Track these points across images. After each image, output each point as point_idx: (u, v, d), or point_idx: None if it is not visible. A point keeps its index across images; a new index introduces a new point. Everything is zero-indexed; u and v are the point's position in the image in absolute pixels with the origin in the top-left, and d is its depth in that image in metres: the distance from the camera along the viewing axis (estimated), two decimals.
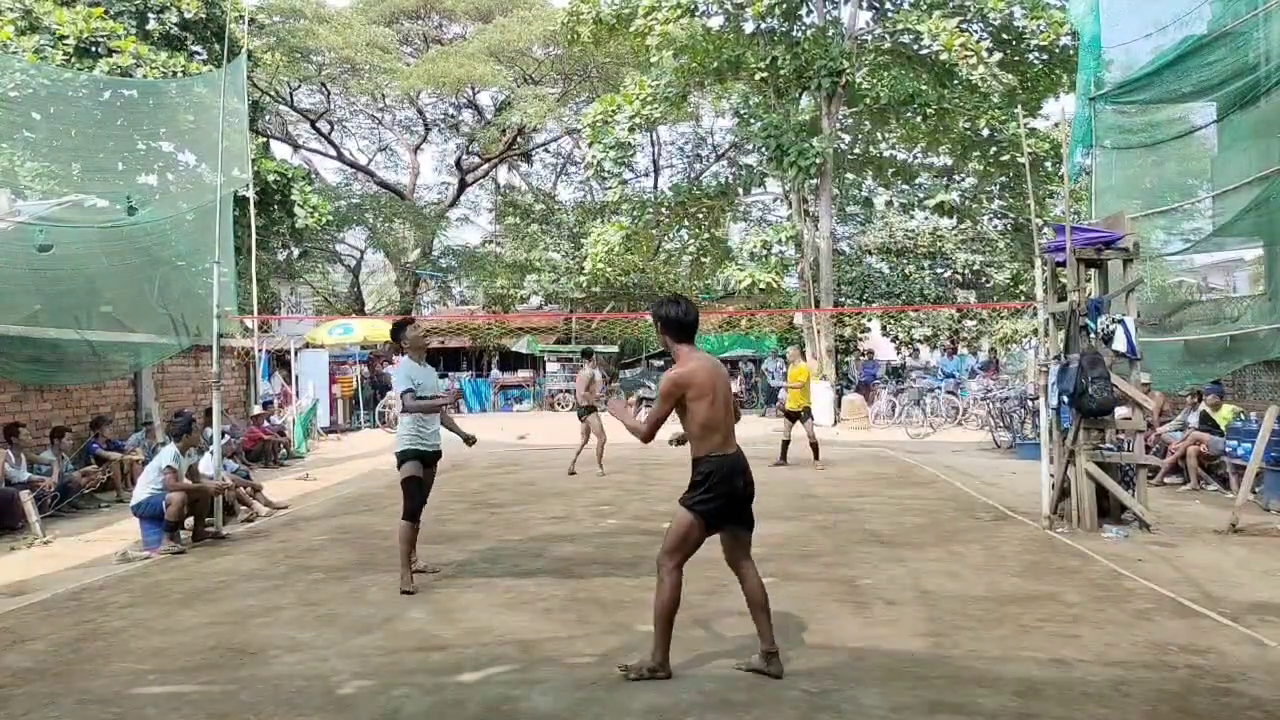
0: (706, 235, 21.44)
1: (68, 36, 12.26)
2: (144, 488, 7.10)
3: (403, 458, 5.74)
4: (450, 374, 26.55)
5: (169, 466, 7.07)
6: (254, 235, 12.50)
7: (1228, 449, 8.65)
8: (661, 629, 3.95)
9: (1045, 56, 17.87)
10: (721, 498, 3.92)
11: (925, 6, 17.62)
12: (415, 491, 5.70)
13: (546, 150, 34.21)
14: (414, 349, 5.93)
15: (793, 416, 11.59)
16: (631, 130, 18.87)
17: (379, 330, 21.25)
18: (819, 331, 19.27)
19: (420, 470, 5.74)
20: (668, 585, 3.92)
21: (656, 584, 3.97)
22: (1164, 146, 11.05)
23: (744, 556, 4.05)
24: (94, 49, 12.53)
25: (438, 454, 5.90)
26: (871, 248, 27.03)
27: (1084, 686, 3.80)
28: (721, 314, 26.98)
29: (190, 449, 7.40)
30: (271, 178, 15.01)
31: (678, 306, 4.04)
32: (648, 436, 4.00)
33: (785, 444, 11.59)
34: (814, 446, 11.31)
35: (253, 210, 12.55)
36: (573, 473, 10.89)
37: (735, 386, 21.37)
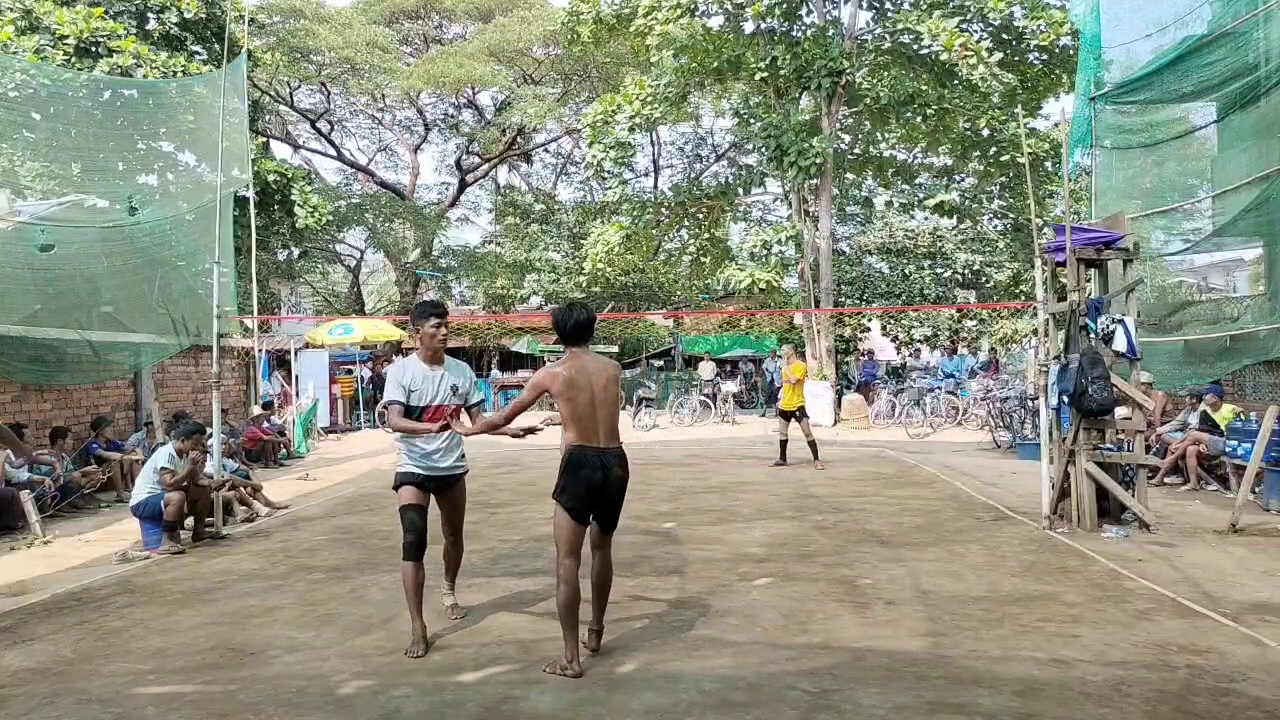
0: (706, 235, 21.43)
1: (68, 36, 12.26)
2: (143, 488, 7.10)
3: (397, 481, 4.69)
4: None
5: (164, 468, 7.07)
6: (254, 235, 12.51)
7: (1228, 449, 8.66)
8: (566, 624, 4.10)
9: (1045, 56, 17.87)
10: (577, 485, 4.13)
11: (925, 6, 17.62)
12: (410, 525, 4.58)
13: (546, 150, 34.25)
14: (422, 344, 4.72)
15: (788, 416, 11.57)
16: (631, 130, 18.86)
17: (379, 330, 21.27)
18: (819, 331, 19.27)
19: (418, 496, 4.63)
20: (560, 579, 4.14)
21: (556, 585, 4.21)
22: (1164, 146, 11.05)
23: (601, 547, 4.36)
24: (94, 49, 12.53)
25: (453, 477, 4.79)
26: (871, 248, 27.04)
27: (1084, 686, 3.80)
28: (721, 314, 27.00)
29: (188, 453, 7.39)
30: (271, 178, 15.02)
31: (561, 313, 4.33)
32: (508, 418, 4.37)
33: (783, 443, 11.58)
34: (812, 446, 11.30)
35: (253, 210, 12.56)
36: None
37: (735, 386, 21.37)
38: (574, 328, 4.25)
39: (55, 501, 8.66)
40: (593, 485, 4.13)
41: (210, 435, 7.76)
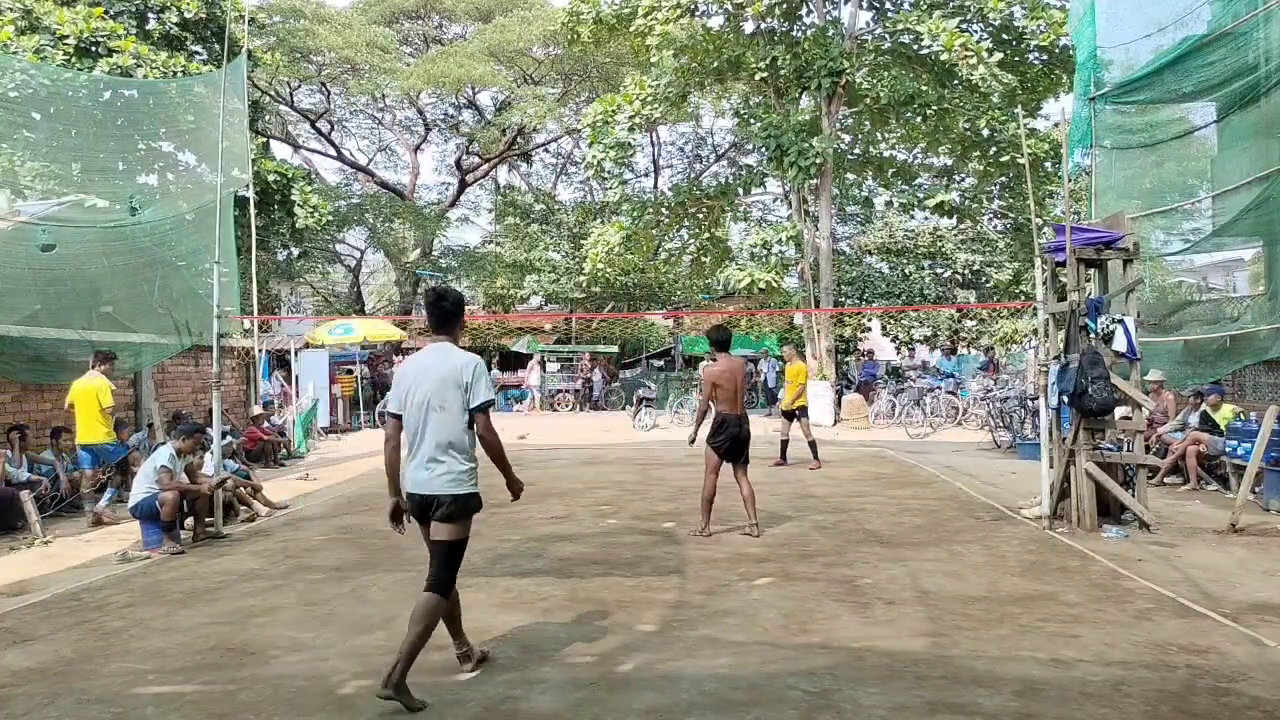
0: (706, 235, 21.44)
1: (68, 36, 12.24)
2: (141, 488, 7.08)
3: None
4: None
5: (163, 467, 7.06)
6: (254, 235, 12.50)
7: (1228, 449, 8.65)
8: (704, 510, 7.07)
9: (1045, 56, 17.88)
10: (725, 436, 6.98)
11: (925, 6, 17.63)
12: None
13: (546, 150, 34.26)
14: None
15: (790, 416, 11.58)
16: (631, 130, 18.85)
17: (379, 330, 21.27)
18: (819, 331, 19.26)
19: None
20: (705, 485, 7.07)
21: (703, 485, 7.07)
22: (1164, 146, 11.05)
23: (741, 472, 7.10)
24: (94, 49, 12.52)
25: (428, 501, 4.17)
26: (871, 248, 27.04)
27: (1084, 686, 3.80)
28: (722, 314, 27.02)
29: (188, 454, 7.38)
30: (271, 178, 15.00)
31: (714, 331, 7.26)
32: (703, 405, 7.42)
33: (784, 443, 11.58)
34: (812, 446, 11.30)
35: (253, 210, 12.54)
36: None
37: None
38: (720, 341, 7.16)
39: (55, 502, 8.65)
40: (731, 436, 6.95)
41: (210, 435, 7.75)
